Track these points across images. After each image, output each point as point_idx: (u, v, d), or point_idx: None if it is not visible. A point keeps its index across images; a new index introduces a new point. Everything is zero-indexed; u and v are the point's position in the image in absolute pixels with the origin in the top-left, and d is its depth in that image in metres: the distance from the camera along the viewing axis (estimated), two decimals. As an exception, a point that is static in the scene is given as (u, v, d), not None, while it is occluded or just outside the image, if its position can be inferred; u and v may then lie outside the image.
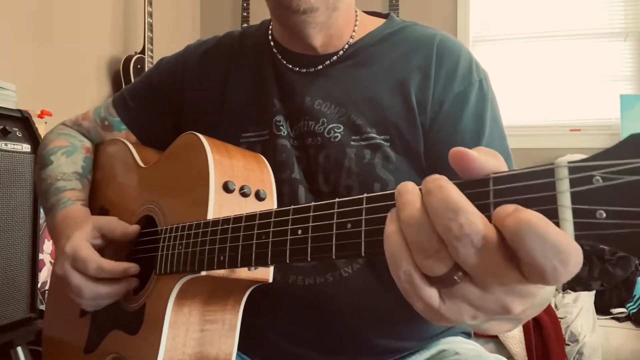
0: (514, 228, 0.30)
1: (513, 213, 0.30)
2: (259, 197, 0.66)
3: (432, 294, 0.35)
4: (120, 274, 0.67)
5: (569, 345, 1.85)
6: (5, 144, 1.29)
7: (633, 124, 2.61)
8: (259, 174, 0.69)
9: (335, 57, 0.80)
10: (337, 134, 0.75)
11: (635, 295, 2.08)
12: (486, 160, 0.34)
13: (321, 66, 0.80)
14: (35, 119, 1.43)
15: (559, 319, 1.87)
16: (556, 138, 2.78)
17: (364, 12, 0.85)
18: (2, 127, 1.28)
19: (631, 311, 2.06)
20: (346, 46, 0.80)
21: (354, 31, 0.81)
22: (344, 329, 0.76)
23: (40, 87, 2.07)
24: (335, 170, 0.75)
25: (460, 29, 2.93)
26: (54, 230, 0.77)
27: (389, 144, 0.74)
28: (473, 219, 0.32)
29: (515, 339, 1.87)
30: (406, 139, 0.74)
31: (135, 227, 0.72)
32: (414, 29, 0.82)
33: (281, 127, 0.78)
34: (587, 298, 2.01)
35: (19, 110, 1.36)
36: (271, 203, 0.68)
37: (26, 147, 1.34)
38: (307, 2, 0.70)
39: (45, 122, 1.66)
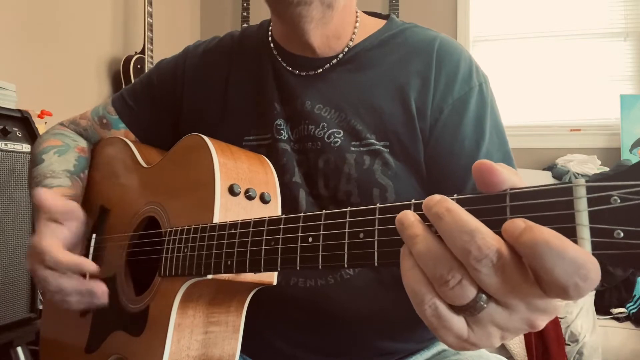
0: (531, 247, 0.30)
1: (527, 231, 0.30)
2: (264, 199, 0.66)
3: (461, 325, 0.35)
4: (74, 269, 0.67)
5: (569, 345, 1.85)
6: (5, 144, 1.29)
7: (633, 124, 2.62)
8: (263, 176, 0.69)
9: (335, 60, 0.79)
10: (337, 139, 0.75)
11: (635, 295, 2.09)
12: (508, 175, 0.34)
13: (321, 69, 0.79)
14: (35, 119, 1.42)
15: (559, 319, 1.87)
16: (556, 138, 2.78)
17: (364, 12, 0.85)
18: (2, 127, 1.28)
19: (631, 311, 2.06)
20: (346, 49, 0.79)
21: (354, 33, 0.80)
22: (345, 331, 0.76)
23: (40, 87, 2.06)
24: (335, 175, 0.74)
25: (460, 29, 2.93)
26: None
27: (388, 150, 0.74)
28: (489, 239, 0.32)
29: (515, 339, 1.87)
30: (406, 146, 0.74)
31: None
32: (414, 31, 0.81)
33: (282, 131, 0.78)
34: (587, 298, 2.01)
35: (19, 110, 1.36)
36: (275, 206, 0.68)
37: (26, 147, 1.34)
38: None
39: (45, 122, 1.66)
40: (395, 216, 0.37)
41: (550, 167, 2.65)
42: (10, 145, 1.30)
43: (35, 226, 0.73)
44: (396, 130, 0.74)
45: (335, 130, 0.76)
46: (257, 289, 0.66)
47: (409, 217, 0.35)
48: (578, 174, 2.50)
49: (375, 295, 0.75)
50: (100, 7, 2.48)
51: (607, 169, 2.53)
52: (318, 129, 0.76)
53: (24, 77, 1.94)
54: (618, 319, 2.06)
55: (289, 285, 0.75)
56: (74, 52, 2.28)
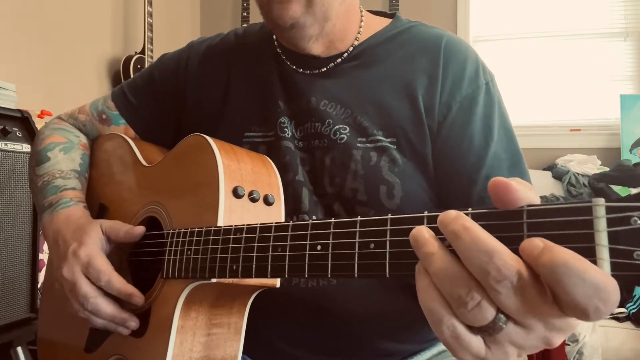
0: (550, 268, 0.30)
1: (546, 252, 0.30)
2: (268, 201, 0.66)
3: (479, 345, 0.34)
4: (125, 296, 0.66)
5: (569, 345, 1.85)
6: (5, 144, 1.29)
7: (633, 124, 2.62)
8: (266, 177, 0.69)
9: (340, 59, 0.79)
10: (343, 135, 0.75)
11: (635, 295, 2.08)
12: (525, 192, 0.33)
13: (325, 68, 0.79)
14: (35, 119, 1.42)
15: (559, 319, 1.87)
16: (556, 138, 2.78)
17: (369, 11, 0.85)
18: (2, 127, 1.27)
19: (631, 311, 2.05)
20: (351, 48, 0.79)
21: (359, 32, 0.80)
22: (347, 332, 0.75)
23: (40, 87, 2.06)
24: (341, 172, 0.74)
25: (460, 29, 2.93)
26: (52, 230, 0.76)
27: (395, 146, 0.74)
28: (508, 260, 0.31)
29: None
30: (413, 143, 0.74)
31: (140, 229, 0.71)
32: (420, 29, 0.81)
33: (285, 129, 0.78)
34: (587, 298, 2.01)
35: (19, 110, 1.35)
36: (279, 207, 0.67)
37: (26, 147, 1.34)
38: (292, 17, 0.69)
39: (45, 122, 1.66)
40: (407, 227, 0.37)
41: (550, 167, 2.65)
42: (10, 145, 1.30)
43: (64, 232, 0.73)
44: (403, 126, 0.74)
45: (341, 126, 0.75)
46: (259, 291, 0.66)
47: (423, 234, 0.35)
48: (578, 173, 2.50)
49: (377, 296, 0.75)
50: (100, 7, 2.47)
51: (607, 169, 2.53)
52: (324, 126, 0.76)
53: (24, 77, 1.94)
54: (618, 319, 2.06)
55: (290, 285, 0.74)
56: (74, 52, 2.28)
